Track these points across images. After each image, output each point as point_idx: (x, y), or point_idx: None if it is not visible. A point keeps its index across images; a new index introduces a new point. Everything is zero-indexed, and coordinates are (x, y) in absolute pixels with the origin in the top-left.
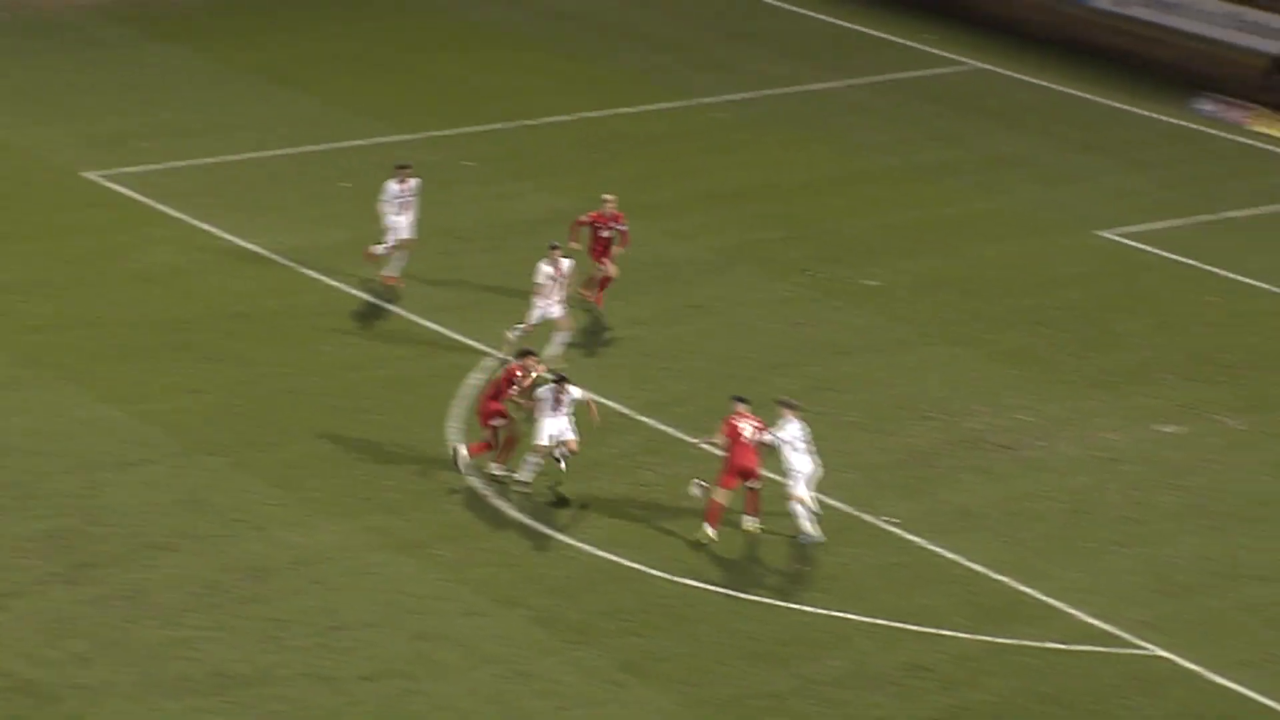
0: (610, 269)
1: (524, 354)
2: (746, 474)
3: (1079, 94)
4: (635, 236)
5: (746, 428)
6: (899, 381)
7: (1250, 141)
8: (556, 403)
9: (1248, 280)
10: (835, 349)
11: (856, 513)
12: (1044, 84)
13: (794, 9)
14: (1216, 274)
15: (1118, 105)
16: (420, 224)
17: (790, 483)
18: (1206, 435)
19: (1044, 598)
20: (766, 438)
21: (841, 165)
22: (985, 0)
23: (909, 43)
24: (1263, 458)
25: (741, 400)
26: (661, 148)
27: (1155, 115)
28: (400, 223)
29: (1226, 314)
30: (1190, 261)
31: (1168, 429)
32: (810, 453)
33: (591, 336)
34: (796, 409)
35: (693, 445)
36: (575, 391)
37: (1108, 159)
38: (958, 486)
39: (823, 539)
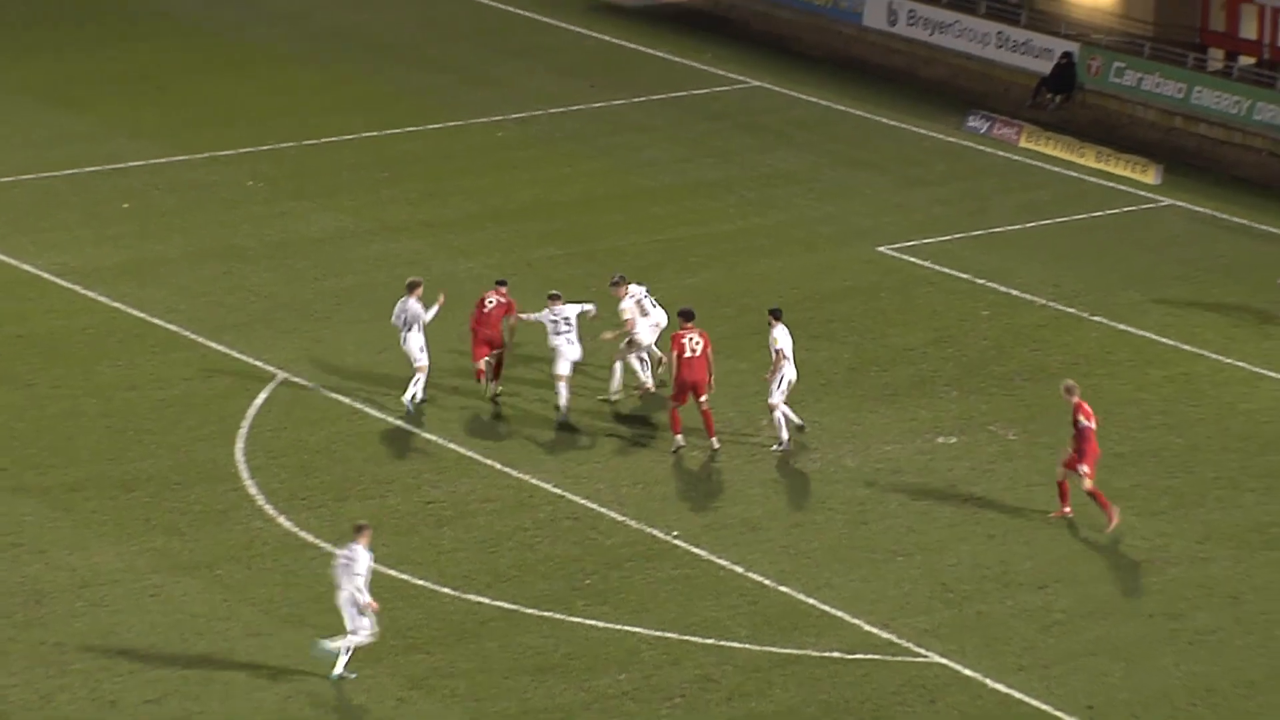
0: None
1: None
2: (695, 389)
3: (854, 111)
4: (418, 255)
5: (692, 340)
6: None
7: (1020, 158)
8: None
9: (1019, 293)
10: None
11: (642, 527)
12: (819, 101)
13: (572, 28)
14: (990, 287)
15: (892, 122)
16: (202, 243)
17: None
18: (982, 446)
19: (827, 608)
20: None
21: (620, 182)
22: (761, 19)
23: (686, 61)
24: (1036, 467)
25: (686, 315)
26: (443, 166)
27: (928, 132)
28: None
29: (999, 327)
30: (964, 275)
31: (945, 440)
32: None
33: (378, 355)
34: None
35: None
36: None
37: (883, 175)
38: (742, 499)
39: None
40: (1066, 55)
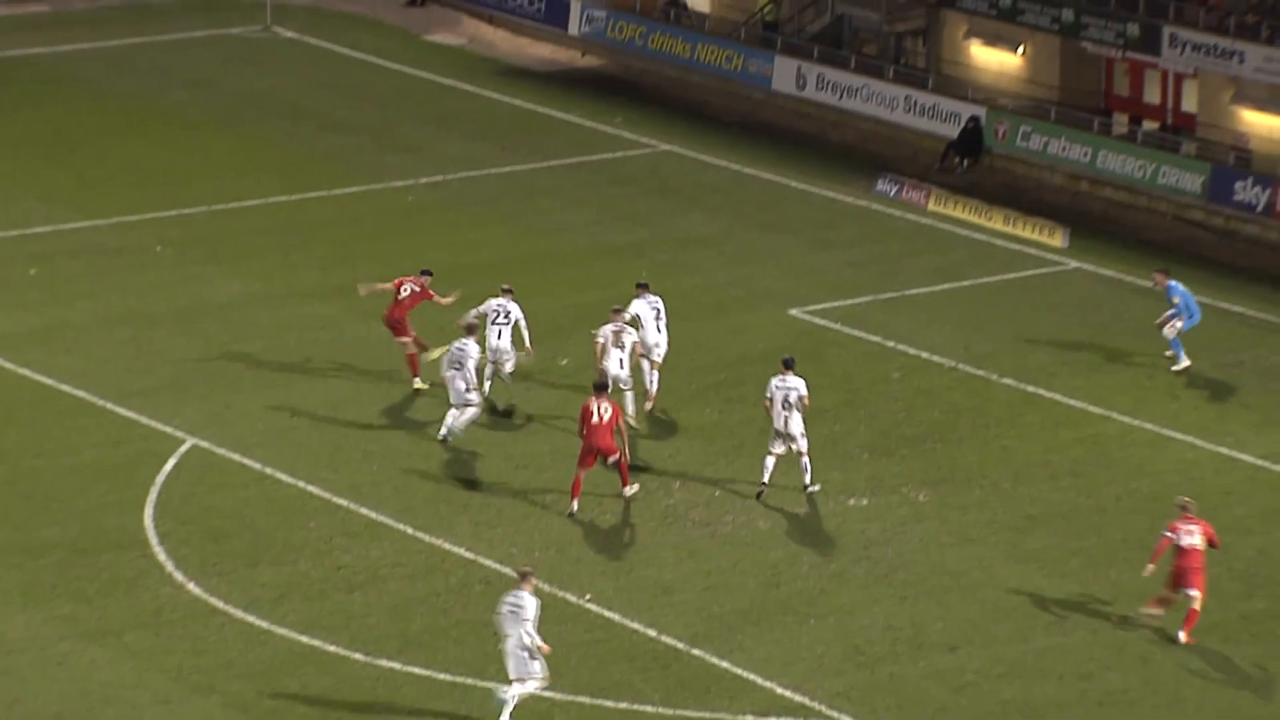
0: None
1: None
2: (603, 454)
3: (764, 175)
4: (329, 319)
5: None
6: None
7: (929, 221)
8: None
9: (929, 355)
10: (527, 431)
11: (555, 590)
12: (730, 165)
13: (484, 92)
14: (900, 350)
15: (802, 186)
16: (110, 309)
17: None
18: (893, 508)
19: (740, 670)
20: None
21: (532, 245)
22: (671, 84)
23: (597, 125)
24: (946, 529)
25: (600, 388)
26: (353, 230)
27: (838, 195)
28: None
29: (910, 389)
30: (874, 338)
31: (856, 502)
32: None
33: (289, 420)
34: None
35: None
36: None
37: (794, 238)
38: (654, 562)
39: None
40: (974, 119)
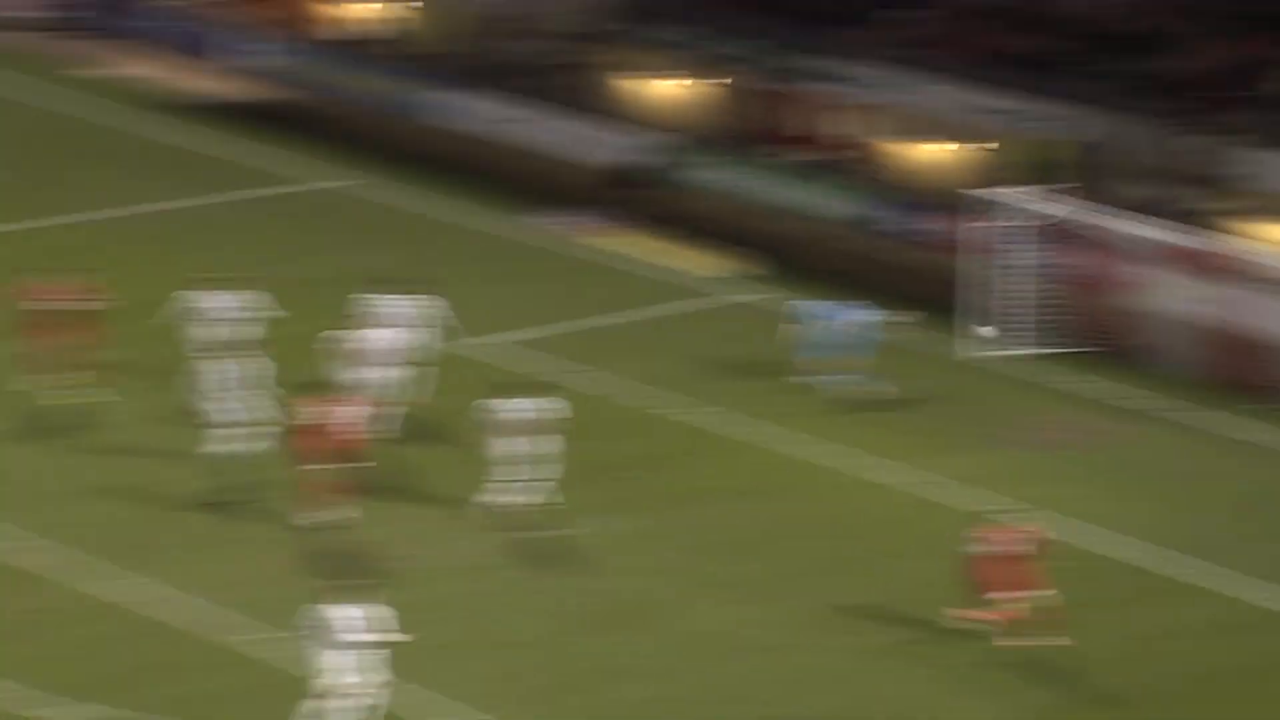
0: None
1: None
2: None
3: (436, 208)
4: None
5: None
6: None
7: (597, 254)
8: None
9: (606, 388)
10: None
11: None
12: (400, 199)
13: (137, 127)
14: (578, 383)
15: (474, 220)
16: None
17: None
18: (578, 538)
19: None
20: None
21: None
22: (341, 116)
23: (262, 160)
24: (630, 558)
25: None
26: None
27: (507, 229)
28: None
29: (588, 420)
30: (548, 371)
31: (544, 533)
32: None
33: None
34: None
35: None
36: None
37: (467, 272)
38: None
39: None
40: (647, 150)
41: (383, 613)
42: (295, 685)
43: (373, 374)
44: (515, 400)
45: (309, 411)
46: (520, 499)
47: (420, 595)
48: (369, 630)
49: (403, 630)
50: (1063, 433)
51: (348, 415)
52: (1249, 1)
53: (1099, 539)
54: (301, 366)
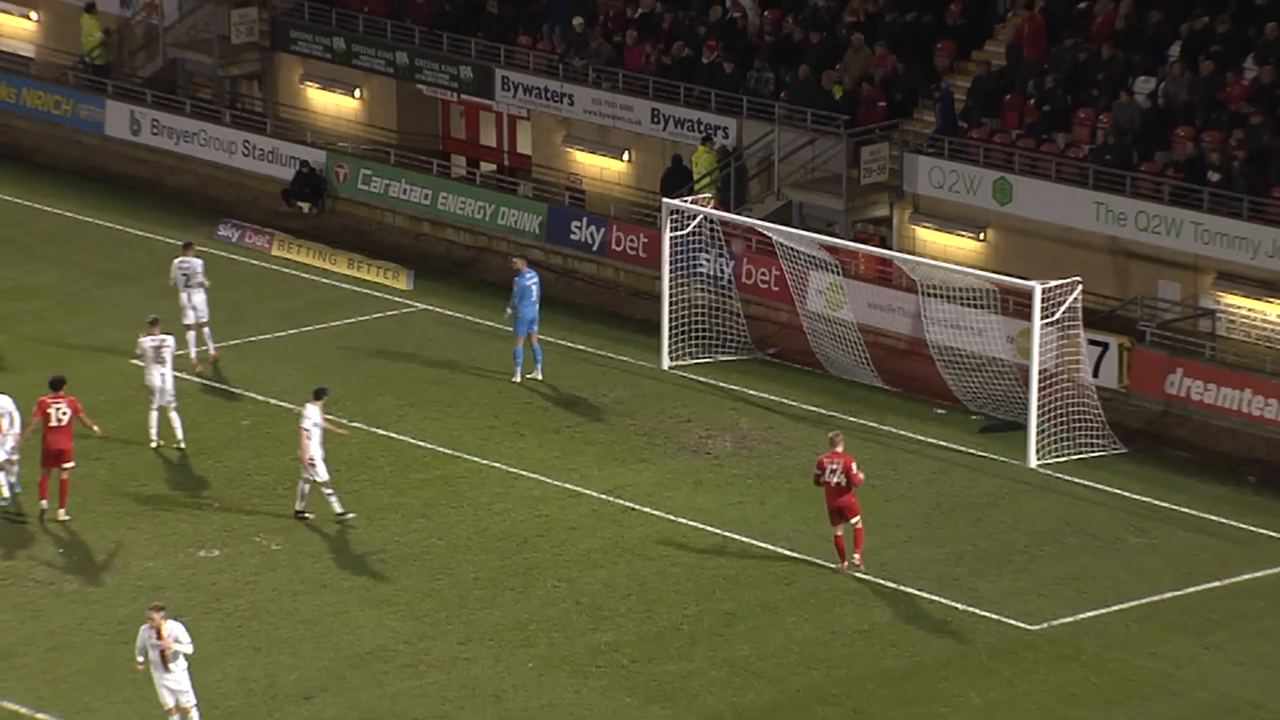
0: None
1: None
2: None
3: (100, 222)
4: None
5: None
6: None
7: (273, 266)
8: None
9: (278, 402)
10: None
11: None
12: (64, 213)
13: None
14: (249, 396)
15: (141, 232)
16: None
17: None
18: (245, 557)
19: None
20: None
21: None
22: None
23: None
24: (300, 576)
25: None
26: None
27: (179, 242)
28: None
29: (260, 436)
30: (223, 386)
31: (207, 553)
32: None
33: None
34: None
35: None
36: None
37: (135, 286)
38: None
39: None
40: (305, 163)
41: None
42: None
43: None
44: None
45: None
46: None
47: (56, 624)
48: None
49: (50, 659)
50: (738, 439)
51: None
52: (902, 13)
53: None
54: None
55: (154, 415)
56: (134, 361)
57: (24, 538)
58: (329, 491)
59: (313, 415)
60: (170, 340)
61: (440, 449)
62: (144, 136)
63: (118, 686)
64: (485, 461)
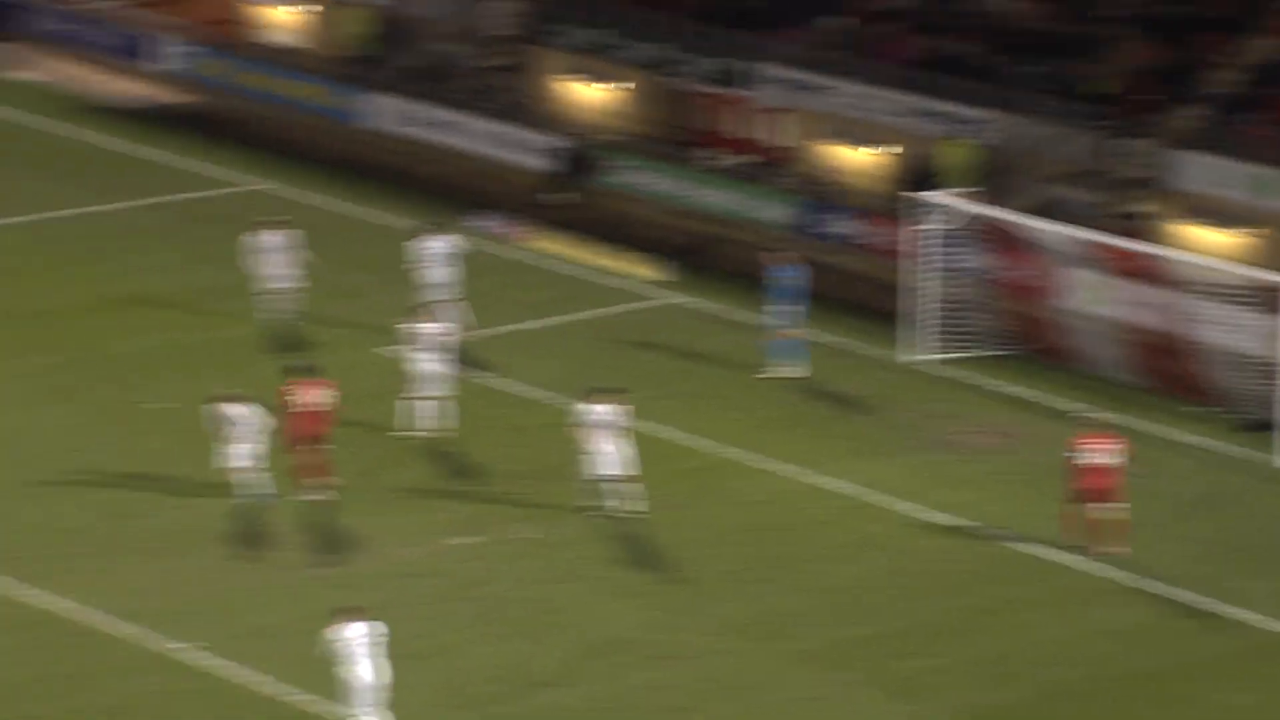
0: None
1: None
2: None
3: (361, 213)
4: None
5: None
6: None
7: (527, 256)
8: None
9: (529, 392)
10: (123, 476)
11: (163, 639)
12: (326, 204)
13: (57, 131)
14: (502, 387)
15: (398, 223)
16: None
17: None
18: (495, 545)
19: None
20: None
21: (117, 288)
22: (262, 120)
23: (183, 163)
24: (548, 566)
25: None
26: None
27: (432, 231)
28: None
29: (512, 426)
30: (477, 375)
31: (461, 541)
32: None
33: None
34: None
35: None
36: None
37: (390, 276)
38: (265, 607)
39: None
40: (572, 151)
41: (380, 628)
42: (224, 691)
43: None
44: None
45: (295, 396)
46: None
47: (344, 601)
48: (374, 644)
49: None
50: (996, 436)
51: (317, 398)
52: (1163, 5)
53: (1022, 540)
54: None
55: (415, 404)
56: (399, 349)
57: (284, 522)
58: (615, 488)
59: (598, 412)
60: (441, 328)
61: (692, 440)
62: (403, 127)
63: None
64: (735, 454)
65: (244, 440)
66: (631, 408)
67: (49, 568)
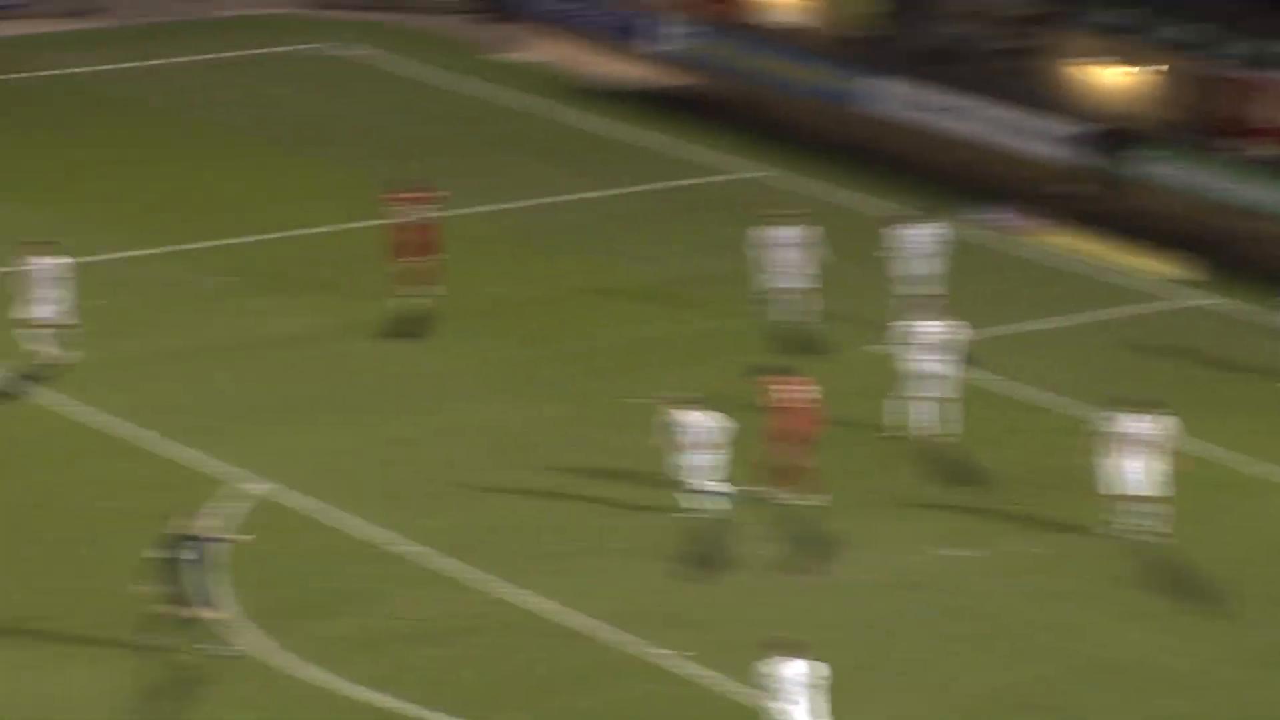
0: None
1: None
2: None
3: (864, 202)
4: (392, 356)
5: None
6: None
7: (1041, 252)
8: None
9: (1040, 398)
10: (605, 472)
11: (648, 646)
12: (827, 192)
13: (559, 113)
14: (1011, 392)
15: (907, 213)
16: (162, 343)
17: None
18: (1001, 559)
19: None
20: None
21: (606, 277)
22: (761, 104)
23: (679, 148)
24: (1055, 583)
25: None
26: None
27: (943, 224)
28: None
29: (1025, 432)
30: (991, 376)
31: (960, 553)
32: None
33: (358, 458)
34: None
35: None
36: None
37: (881, 270)
38: (754, 617)
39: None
40: (1096, 139)
41: (822, 669)
42: (707, 700)
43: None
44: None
45: (779, 393)
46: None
47: (833, 612)
48: (813, 685)
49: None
50: None
51: (802, 395)
52: None
53: None
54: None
55: (909, 404)
56: (894, 346)
57: (766, 526)
58: (1139, 507)
59: (1130, 424)
60: (957, 327)
61: (1215, 455)
62: (913, 112)
63: (880, 688)
64: (1267, 470)
65: (700, 448)
66: (1175, 422)
67: (534, 566)
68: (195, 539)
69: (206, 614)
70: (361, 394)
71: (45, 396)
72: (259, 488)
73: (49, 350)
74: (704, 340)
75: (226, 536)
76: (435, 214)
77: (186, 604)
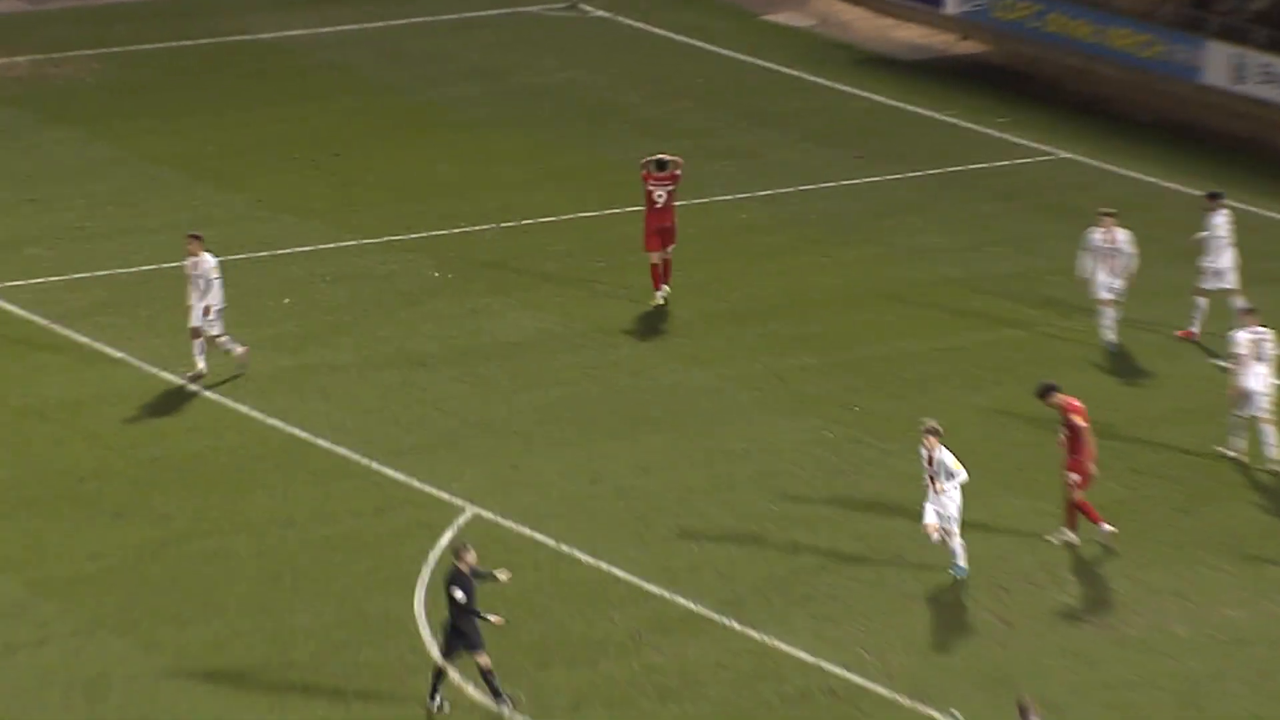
0: None
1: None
2: None
3: (1188, 190)
4: (641, 363)
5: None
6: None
7: None
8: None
9: None
10: (885, 505)
11: (916, 705)
12: (1143, 177)
13: (831, 85)
14: None
15: (1236, 204)
16: (375, 348)
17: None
18: None
19: None
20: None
21: (891, 276)
22: (1073, 76)
23: (975, 127)
24: None
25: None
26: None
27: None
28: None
29: None
30: None
31: None
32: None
33: (589, 486)
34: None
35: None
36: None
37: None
38: (1041, 673)
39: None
40: None
41: None
42: None
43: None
44: None
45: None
46: None
47: (1115, 676)
48: None
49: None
50: None
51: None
52: None
53: None
54: None
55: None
56: (1221, 361)
57: (1084, 577)
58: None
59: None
60: (1270, 334)
61: None
62: (1248, 86)
63: None
64: None
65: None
66: None
67: (782, 609)
68: (465, 576)
69: (482, 660)
70: (597, 408)
71: (259, 406)
72: (480, 514)
73: (236, 350)
74: (1018, 352)
75: (492, 573)
76: (674, 200)
77: (452, 651)
